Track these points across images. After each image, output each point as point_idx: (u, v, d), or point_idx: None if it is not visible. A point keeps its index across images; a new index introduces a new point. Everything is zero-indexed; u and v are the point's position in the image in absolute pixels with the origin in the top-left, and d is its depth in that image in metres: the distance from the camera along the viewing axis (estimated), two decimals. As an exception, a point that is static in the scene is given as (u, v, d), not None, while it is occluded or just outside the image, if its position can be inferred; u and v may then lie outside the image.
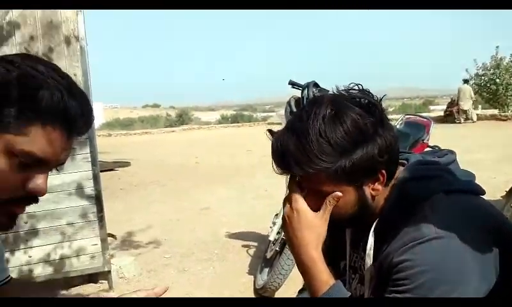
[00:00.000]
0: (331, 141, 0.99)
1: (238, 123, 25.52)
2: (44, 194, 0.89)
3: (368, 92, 1.10)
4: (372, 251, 1.13)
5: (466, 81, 17.91)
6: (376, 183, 1.07)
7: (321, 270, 1.08)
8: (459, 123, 16.96)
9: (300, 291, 1.45)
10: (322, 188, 1.05)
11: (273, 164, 1.09)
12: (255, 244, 4.62)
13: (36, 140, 0.83)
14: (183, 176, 8.98)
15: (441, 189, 1.06)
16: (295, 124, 1.05)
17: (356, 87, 1.11)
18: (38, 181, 0.86)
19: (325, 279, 1.08)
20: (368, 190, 1.08)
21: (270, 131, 1.14)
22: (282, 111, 3.62)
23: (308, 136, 1.00)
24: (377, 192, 1.08)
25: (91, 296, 3.53)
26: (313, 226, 1.09)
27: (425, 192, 1.06)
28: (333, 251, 1.33)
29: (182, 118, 28.91)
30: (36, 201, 0.90)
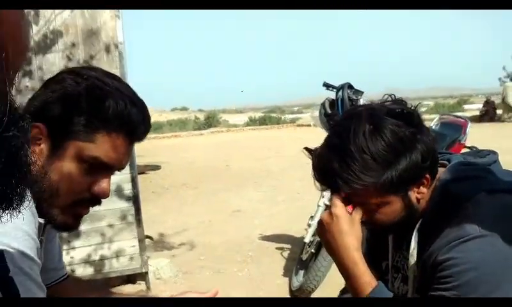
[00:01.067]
0: (375, 156, 1.02)
1: (266, 125, 25.51)
2: (108, 196, 0.95)
3: (402, 101, 1.13)
4: (415, 251, 1.16)
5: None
6: (421, 187, 1.10)
7: (363, 272, 1.11)
8: (502, 121, 16.68)
9: (342, 292, 1.47)
10: (369, 200, 1.08)
11: (315, 181, 1.13)
12: (289, 246, 4.64)
13: (102, 146, 0.90)
14: (213, 179, 9.06)
15: (483, 189, 1.07)
16: (335, 142, 1.07)
17: (389, 99, 1.14)
18: (102, 184, 0.93)
19: (368, 280, 1.10)
20: (414, 195, 1.10)
21: (307, 149, 1.17)
22: (316, 113, 3.64)
23: (351, 154, 1.03)
24: (422, 195, 1.11)
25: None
26: (352, 230, 1.12)
27: (468, 192, 1.08)
28: (375, 251, 1.35)
29: (210, 121, 29.09)
30: (100, 202, 0.96)
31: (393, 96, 1.15)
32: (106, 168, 0.92)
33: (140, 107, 0.93)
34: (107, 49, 3.41)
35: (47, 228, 0.98)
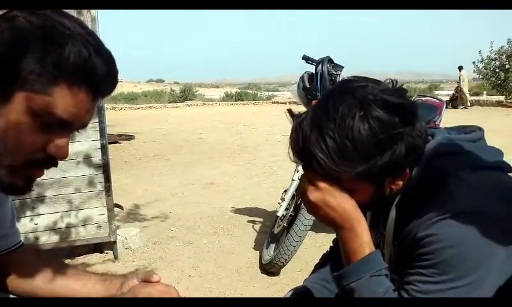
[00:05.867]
0: (357, 145, 0.95)
1: (242, 101, 25.43)
2: (66, 157, 0.84)
3: (401, 89, 1.04)
4: (392, 227, 1.12)
5: (461, 68, 18.67)
6: (398, 180, 1.05)
7: (366, 230, 1.05)
8: (465, 108, 17.42)
9: (334, 242, 1.41)
10: (341, 183, 1.02)
11: (290, 152, 1.05)
12: (261, 219, 4.62)
13: (60, 100, 0.77)
14: (187, 151, 8.99)
15: (467, 165, 1.03)
16: (320, 118, 0.99)
17: (390, 85, 1.05)
18: (60, 144, 0.82)
19: (367, 240, 1.04)
20: (388, 185, 1.05)
21: (290, 112, 1.09)
22: (295, 87, 3.58)
23: (333, 135, 0.96)
24: (397, 187, 1.05)
25: (96, 267, 3.55)
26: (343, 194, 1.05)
27: (451, 168, 1.03)
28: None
29: (186, 94, 28.82)
30: (56, 164, 0.85)
31: (395, 81, 1.07)
32: (64, 126, 0.80)
33: (106, 58, 0.81)
34: (79, 11, 3.23)
35: None
